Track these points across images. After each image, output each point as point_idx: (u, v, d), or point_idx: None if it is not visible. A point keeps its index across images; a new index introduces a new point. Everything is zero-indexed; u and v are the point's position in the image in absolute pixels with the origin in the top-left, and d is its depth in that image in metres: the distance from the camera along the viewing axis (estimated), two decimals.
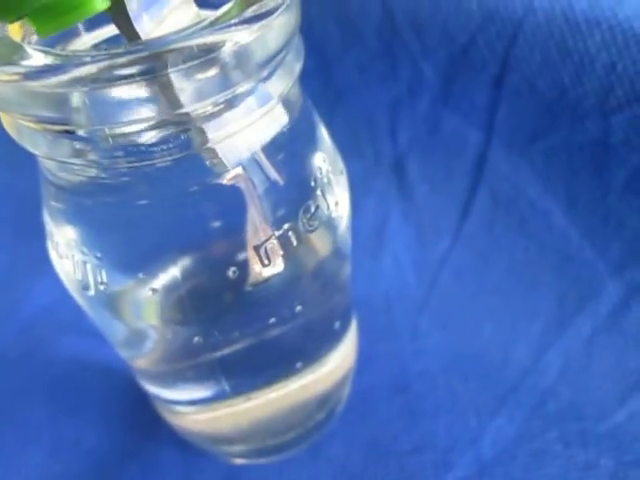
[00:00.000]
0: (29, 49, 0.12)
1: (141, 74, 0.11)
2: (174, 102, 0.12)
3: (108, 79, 0.11)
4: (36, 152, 0.14)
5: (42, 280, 0.34)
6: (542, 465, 0.26)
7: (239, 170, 0.15)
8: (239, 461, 0.27)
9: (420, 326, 0.31)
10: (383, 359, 0.30)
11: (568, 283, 0.30)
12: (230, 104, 0.13)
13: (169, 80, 0.12)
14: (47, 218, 0.17)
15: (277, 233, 0.16)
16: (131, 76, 0.11)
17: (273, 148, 0.16)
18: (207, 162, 0.14)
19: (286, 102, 0.16)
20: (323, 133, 0.18)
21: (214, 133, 0.13)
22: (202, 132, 0.13)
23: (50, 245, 0.18)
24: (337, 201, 0.18)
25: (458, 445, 0.27)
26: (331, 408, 0.26)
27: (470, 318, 0.31)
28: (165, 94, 0.12)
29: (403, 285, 0.32)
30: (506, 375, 0.29)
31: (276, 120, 0.15)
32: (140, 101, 0.12)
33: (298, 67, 0.16)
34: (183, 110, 0.12)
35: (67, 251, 0.17)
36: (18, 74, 0.11)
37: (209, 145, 0.14)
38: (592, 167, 0.27)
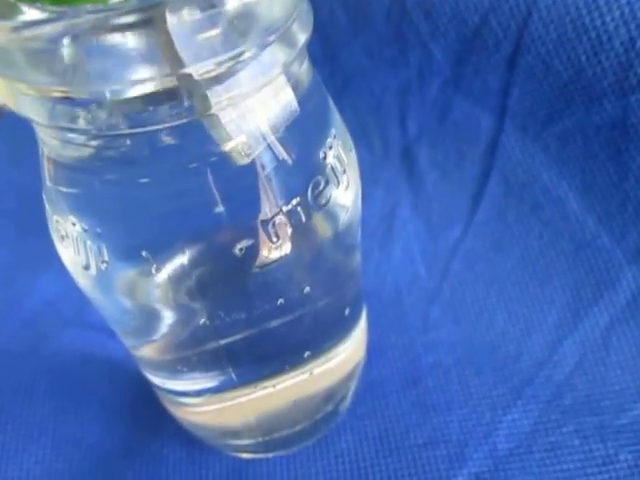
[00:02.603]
0: (25, 7, 0.12)
1: (138, 25, 0.11)
2: (175, 61, 0.12)
3: (103, 28, 0.10)
4: (35, 119, 0.13)
5: (45, 275, 0.34)
6: (559, 460, 0.25)
7: (243, 139, 0.14)
8: (245, 455, 0.26)
9: (431, 317, 0.30)
10: (393, 351, 0.29)
11: (584, 271, 0.29)
12: (232, 70, 0.13)
13: (169, 36, 0.11)
14: (47, 199, 0.17)
15: (285, 209, 0.15)
16: (127, 26, 0.11)
17: None
18: (210, 131, 0.13)
19: (297, 75, 0.15)
20: (333, 108, 0.18)
21: (217, 99, 0.13)
22: (205, 97, 0.13)
23: (51, 227, 0.17)
24: (347, 178, 0.17)
25: (472, 439, 0.26)
26: (340, 401, 0.25)
27: (483, 309, 0.30)
28: (165, 52, 0.11)
29: (413, 276, 0.32)
30: (521, 367, 0.28)
31: (283, 99, 0.15)
32: (138, 59, 0.11)
33: (304, 38, 0.15)
34: (184, 70, 0.12)
35: (67, 231, 0.16)
36: (11, 27, 0.11)
37: (212, 111, 0.13)
38: (609, 150, 0.27)
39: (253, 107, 0.14)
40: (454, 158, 0.32)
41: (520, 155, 0.29)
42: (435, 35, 0.28)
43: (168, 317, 0.17)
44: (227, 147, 0.14)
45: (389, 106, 0.32)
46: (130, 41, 0.11)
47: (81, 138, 0.14)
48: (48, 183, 0.16)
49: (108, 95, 0.12)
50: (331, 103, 0.18)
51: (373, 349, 0.28)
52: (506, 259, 0.31)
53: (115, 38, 0.11)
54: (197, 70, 0.12)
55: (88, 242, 0.15)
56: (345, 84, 0.32)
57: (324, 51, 0.31)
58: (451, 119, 0.31)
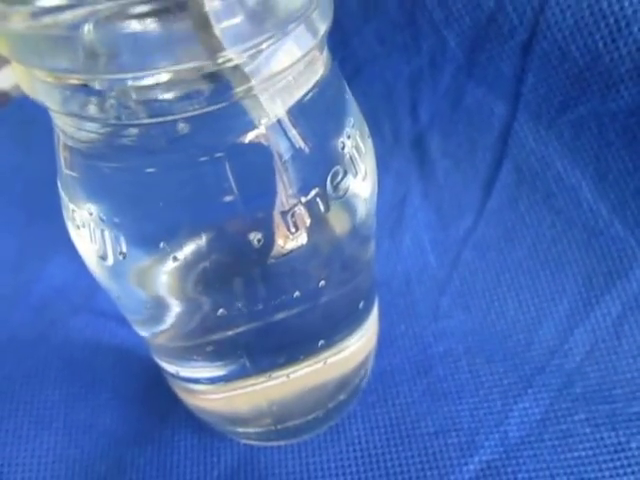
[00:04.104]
0: None
1: (168, 10, 0.10)
2: (213, 45, 0.11)
3: (126, 15, 0.10)
4: (52, 107, 0.13)
5: (54, 261, 0.34)
6: (570, 448, 0.25)
7: (262, 130, 0.14)
8: (257, 443, 0.26)
9: (442, 307, 0.30)
10: (404, 340, 0.29)
11: (597, 260, 0.29)
12: (254, 55, 0.13)
13: (205, 20, 0.11)
14: (62, 187, 0.17)
15: (304, 199, 0.15)
16: (152, 13, 0.10)
17: (300, 111, 0.15)
18: (250, 112, 0.13)
19: None
20: (350, 97, 0.18)
21: (259, 79, 0.13)
22: (246, 79, 0.13)
23: (66, 215, 0.17)
24: (365, 167, 0.17)
25: (483, 428, 0.26)
26: (352, 389, 0.25)
27: (494, 298, 0.30)
28: (202, 36, 0.11)
29: (424, 265, 0.32)
30: (532, 356, 0.28)
31: (313, 73, 0.15)
32: (161, 46, 0.11)
33: (324, 27, 0.15)
34: (225, 53, 0.12)
35: (84, 220, 0.16)
36: (30, 13, 0.11)
37: (254, 92, 0.13)
38: (625, 138, 0.26)
39: (286, 88, 0.14)
40: (466, 146, 0.31)
41: (533, 143, 0.29)
42: (449, 21, 0.27)
43: (184, 307, 0.17)
44: (261, 128, 0.14)
45: (401, 93, 0.31)
46: (153, 28, 0.11)
47: (95, 126, 0.14)
48: (65, 171, 0.16)
49: (129, 83, 0.12)
50: (348, 91, 0.18)
51: (383, 338, 0.28)
52: (517, 248, 0.31)
53: (137, 25, 0.11)
54: (237, 53, 0.12)
55: (106, 232, 0.15)
56: (356, 71, 0.32)
57: (335, 37, 0.31)
58: (463, 107, 0.30)
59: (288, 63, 0.13)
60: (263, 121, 0.14)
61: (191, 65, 0.12)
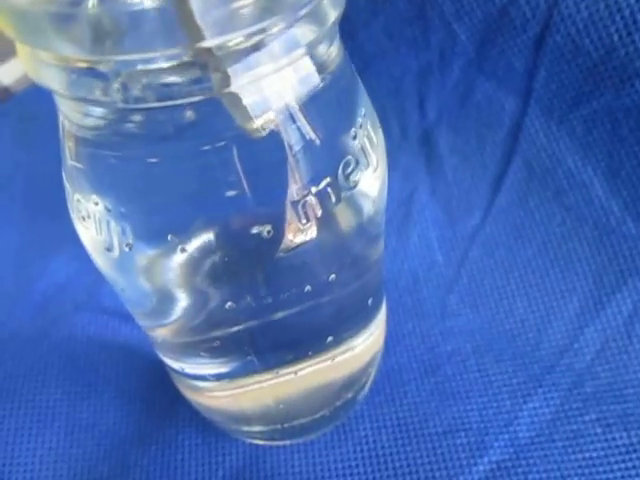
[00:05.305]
0: None
1: None
2: (194, 33, 0.11)
3: None
4: (58, 90, 0.13)
5: (56, 258, 0.34)
6: (581, 449, 0.25)
7: (271, 116, 0.14)
8: (262, 442, 0.26)
9: (449, 305, 0.30)
10: (411, 339, 0.29)
11: (608, 258, 0.29)
12: (255, 45, 0.12)
13: (189, 6, 0.10)
14: (67, 178, 0.16)
15: (315, 190, 0.15)
16: None
17: (313, 100, 0.14)
18: (229, 110, 0.13)
19: (327, 53, 0.15)
20: (362, 87, 0.17)
21: (237, 76, 0.12)
22: (225, 74, 0.12)
23: (70, 207, 0.17)
24: (376, 158, 0.17)
25: (493, 428, 0.26)
26: (359, 388, 0.25)
27: (502, 296, 0.30)
28: (186, 23, 0.11)
29: (431, 263, 0.31)
30: (541, 355, 0.28)
31: (307, 76, 0.14)
32: (165, 29, 0.11)
33: (335, 15, 0.14)
34: (203, 44, 0.11)
35: (89, 211, 0.16)
36: None
37: (232, 89, 0.12)
38: (638, 133, 0.26)
39: (274, 84, 0.13)
40: (475, 142, 0.31)
41: (544, 139, 0.29)
42: (460, 14, 0.27)
43: (191, 300, 0.16)
44: (246, 126, 0.13)
45: (409, 88, 0.31)
46: (157, 10, 0.10)
47: (102, 111, 0.13)
48: (69, 161, 0.16)
49: (139, 67, 0.12)
50: (360, 81, 0.17)
51: (391, 337, 0.27)
52: (527, 246, 0.30)
53: (141, 5, 0.10)
54: (217, 44, 0.11)
55: (112, 223, 0.15)
56: (364, 65, 0.31)
57: (342, 30, 0.30)
58: (473, 102, 0.30)
59: (274, 63, 0.13)
60: (244, 121, 0.13)
61: (169, 52, 0.11)
